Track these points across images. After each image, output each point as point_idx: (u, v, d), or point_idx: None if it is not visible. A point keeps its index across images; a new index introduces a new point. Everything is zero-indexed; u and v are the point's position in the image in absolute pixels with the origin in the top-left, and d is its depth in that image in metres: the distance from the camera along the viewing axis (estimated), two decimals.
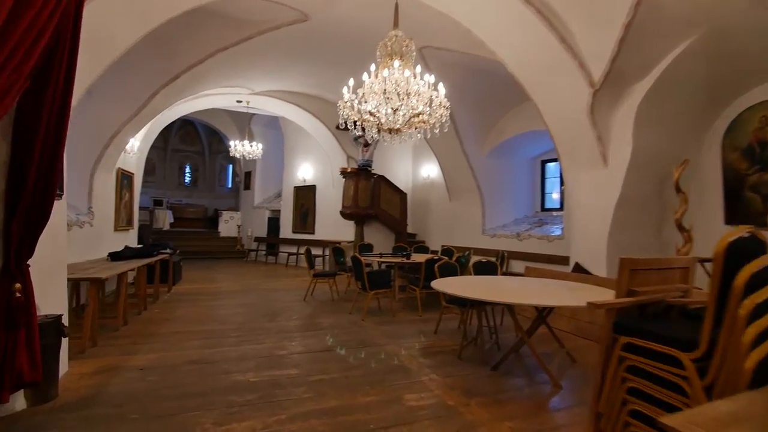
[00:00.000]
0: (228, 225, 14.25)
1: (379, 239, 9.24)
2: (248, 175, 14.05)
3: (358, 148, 9.11)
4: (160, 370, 3.32)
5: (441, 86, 3.86)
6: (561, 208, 8.46)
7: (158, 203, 14.43)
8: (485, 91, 7.32)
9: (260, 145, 9.59)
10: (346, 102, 3.90)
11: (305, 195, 11.37)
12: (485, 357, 3.91)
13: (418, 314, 5.55)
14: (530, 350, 3.42)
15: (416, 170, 10.52)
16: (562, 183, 8.63)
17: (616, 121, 4.96)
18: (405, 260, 6.25)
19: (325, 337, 4.43)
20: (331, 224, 10.34)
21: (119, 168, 6.68)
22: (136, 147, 7.17)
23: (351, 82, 3.93)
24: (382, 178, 9.27)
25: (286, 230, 12.00)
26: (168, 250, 6.44)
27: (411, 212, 9.95)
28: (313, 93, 8.80)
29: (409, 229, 9.97)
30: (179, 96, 6.66)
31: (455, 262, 5.55)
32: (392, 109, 3.70)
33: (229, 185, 18.62)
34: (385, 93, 3.60)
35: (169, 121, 8.73)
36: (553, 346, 4.00)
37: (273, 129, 13.51)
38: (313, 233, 11.02)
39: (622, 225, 5.05)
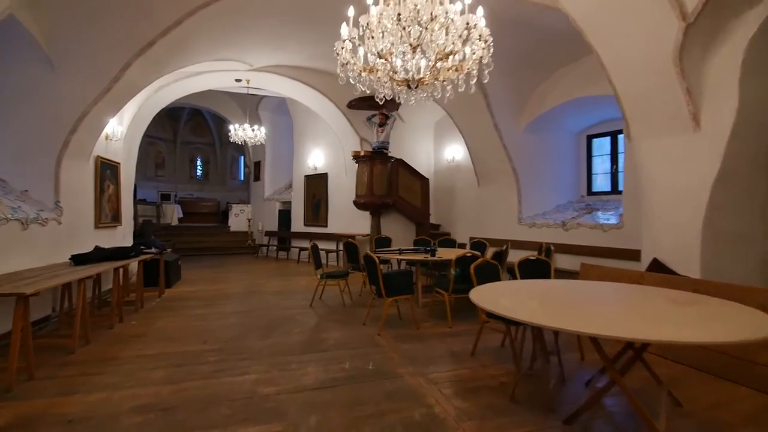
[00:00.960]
0: (238, 219, 13.48)
1: (398, 232, 8.17)
2: (258, 166, 13.18)
3: (372, 128, 8.00)
4: (93, 426, 2.37)
5: (480, 11, 2.69)
6: (614, 191, 7.16)
7: (166, 197, 13.77)
8: (523, 51, 6.07)
9: (263, 129, 8.63)
10: (344, 43, 2.78)
11: (317, 184, 10.38)
12: (550, 398, 2.79)
13: (447, 325, 4.47)
14: (628, 399, 2.28)
15: (439, 152, 9.34)
16: (613, 161, 7.32)
17: (714, 69, 3.68)
18: (429, 257, 5.16)
19: (329, 362, 3.41)
20: (345, 216, 9.33)
21: (98, 156, 5.82)
22: (119, 133, 6.31)
23: (351, 11, 2.80)
24: (401, 162, 8.15)
25: (297, 223, 11.08)
26: (154, 249, 5.56)
27: (433, 200, 8.82)
28: (319, 67, 7.72)
29: (432, 220, 8.84)
30: (161, 70, 5.70)
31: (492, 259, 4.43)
32: (411, 46, 2.57)
33: (242, 177, 17.89)
34: (400, 20, 2.47)
35: (163, 105, 7.86)
36: (641, 377, 2.85)
37: (282, 115, 12.55)
38: (325, 226, 10.05)
39: (720, 209, 3.80)
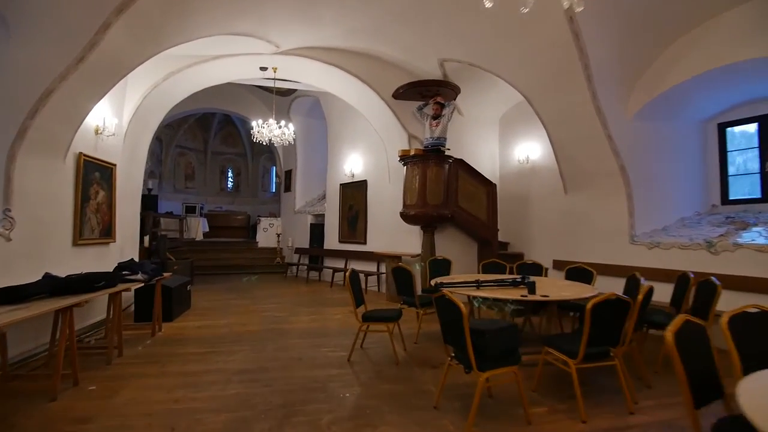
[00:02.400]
0: (267, 234, 12.18)
1: (456, 252, 6.41)
2: (288, 175, 11.90)
3: (425, 122, 6.38)
4: None
5: None
6: (766, 199, 5.11)
7: (191, 210, 12.77)
8: (641, 8, 4.30)
9: (292, 126, 7.20)
10: None
11: (354, 194, 8.84)
12: None
13: (578, 418, 2.65)
14: None
15: (506, 152, 7.54)
16: (766, 157, 5.26)
17: None
18: (535, 297, 3.37)
19: None
20: (388, 231, 7.68)
21: (81, 154, 4.54)
22: (114, 126, 5.04)
23: None
24: (461, 164, 6.44)
25: (331, 239, 9.57)
26: (141, 276, 4.13)
27: (499, 212, 6.99)
28: (359, 47, 6.25)
29: (499, 237, 7.01)
30: (157, 39, 4.38)
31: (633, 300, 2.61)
32: None
33: (273, 189, 16.79)
34: None
35: (176, 99, 6.61)
36: None
37: (315, 118, 11.26)
38: (363, 243, 8.44)
39: None
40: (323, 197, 10.94)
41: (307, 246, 10.51)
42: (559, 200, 6.24)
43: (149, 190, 11.21)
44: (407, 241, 7.11)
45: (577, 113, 5.27)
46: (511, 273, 5.28)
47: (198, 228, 12.12)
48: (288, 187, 11.94)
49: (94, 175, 4.85)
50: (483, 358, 2.51)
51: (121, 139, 5.58)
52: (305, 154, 11.47)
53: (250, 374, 3.47)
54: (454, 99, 6.53)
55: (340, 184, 9.24)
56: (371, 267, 8.02)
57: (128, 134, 5.73)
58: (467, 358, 2.50)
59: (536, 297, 3.37)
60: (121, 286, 3.82)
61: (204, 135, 15.88)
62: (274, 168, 16.44)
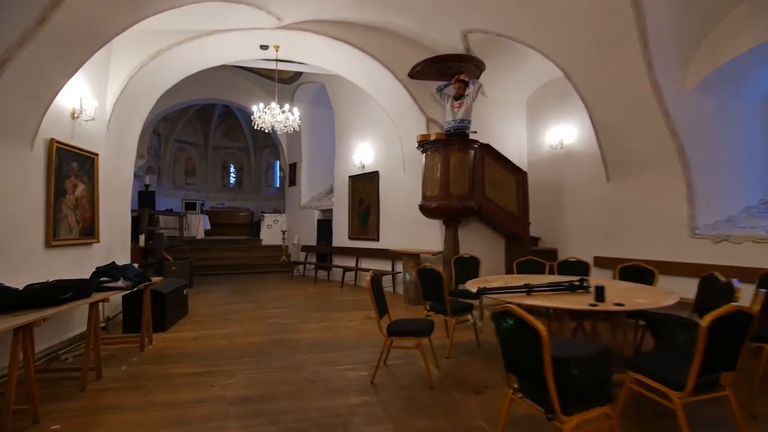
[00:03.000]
0: (271, 231, 11.54)
1: (482, 248, 5.73)
2: (293, 168, 11.23)
3: (445, 103, 5.68)
4: None
5: None
6: None
7: (191, 207, 12.14)
8: None
9: (297, 111, 6.51)
10: None
11: (365, 186, 8.16)
12: None
13: None
14: None
15: (535, 136, 6.81)
16: None
17: None
18: (600, 306, 2.68)
19: None
20: (404, 226, 7.00)
21: (53, 140, 3.89)
22: (92, 109, 4.38)
23: None
24: (488, 149, 5.74)
25: (340, 236, 8.90)
26: (122, 283, 3.48)
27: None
28: (371, 21, 5.55)
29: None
30: (136, 1, 3.69)
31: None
32: None
33: (277, 185, 16.14)
34: None
35: (167, 82, 5.93)
36: None
37: (320, 107, 10.57)
38: (376, 240, 7.77)
39: None
40: (330, 191, 10.26)
41: (314, 243, 9.86)
42: (600, 189, 5.53)
43: (146, 186, 10.62)
44: (426, 236, 6.43)
45: (628, 88, 4.55)
46: (551, 273, 4.60)
47: (199, 226, 11.51)
48: (293, 181, 11.28)
49: (71, 165, 4.20)
50: (568, 396, 1.83)
51: (105, 126, 4.92)
52: (310, 145, 10.79)
53: (252, 404, 2.81)
54: (478, 77, 5.81)
55: (349, 177, 8.56)
56: (385, 266, 7.35)
57: (113, 121, 5.07)
58: (546, 398, 1.82)
59: (609, 306, 2.69)
60: (96, 296, 3.17)
61: (204, 129, 15.23)
62: (278, 162, 15.78)
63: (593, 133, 5.32)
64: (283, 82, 9.88)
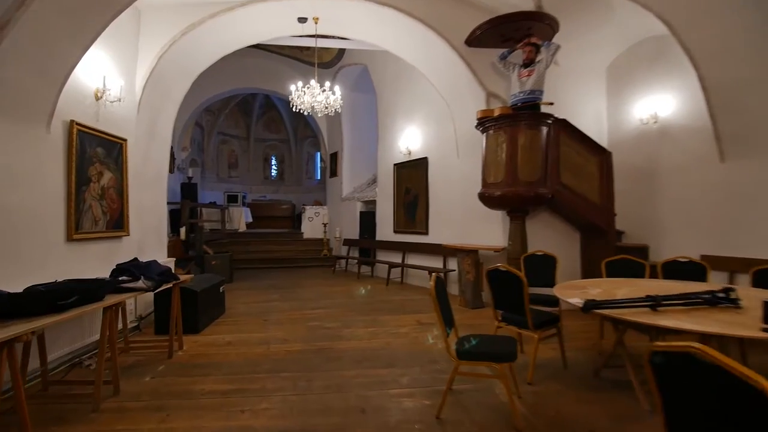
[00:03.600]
0: (313, 224, 11.13)
1: (553, 244, 4.84)
2: (333, 158, 10.71)
3: (510, 73, 4.80)
4: None
5: None
6: None
7: (233, 200, 11.99)
8: None
9: (338, 90, 5.86)
10: None
11: (411, 175, 7.43)
12: None
13: None
14: None
15: (618, 110, 5.74)
16: None
17: None
18: None
19: None
20: (458, 219, 6.22)
21: (74, 122, 3.49)
22: (119, 89, 3.98)
23: None
24: (564, 126, 4.80)
25: (384, 229, 8.25)
26: (143, 283, 3.00)
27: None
28: None
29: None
30: None
31: None
32: None
33: (318, 176, 15.79)
34: None
35: (200, 62, 5.49)
36: None
37: (362, 92, 9.94)
38: (425, 233, 7.03)
39: None
40: (374, 181, 9.63)
41: (356, 237, 9.29)
42: (710, 171, 4.44)
43: (189, 178, 10.55)
44: (485, 230, 5.61)
45: (757, 41, 3.46)
46: (653, 276, 3.66)
47: (240, 218, 11.33)
48: (333, 172, 10.77)
49: (95, 151, 3.81)
50: None
51: (134, 109, 4.54)
52: (352, 133, 10.20)
53: None
54: (551, 39, 4.85)
55: (394, 165, 7.86)
56: (435, 262, 6.61)
57: (144, 104, 4.68)
58: None
59: None
60: (111, 299, 2.70)
61: (246, 120, 15.13)
62: (319, 153, 15.41)
63: (701, 102, 4.24)
64: (322, 66, 9.34)
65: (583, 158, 4.83)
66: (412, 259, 7.26)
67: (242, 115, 14.90)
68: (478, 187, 5.14)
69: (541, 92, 4.66)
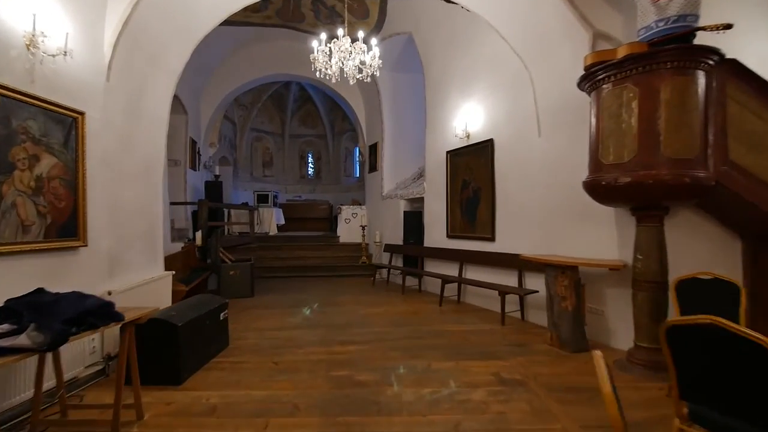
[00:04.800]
0: (350, 226, 9.80)
1: (701, 257, 3.11)
2: (373, 150, 9.31)
3: None
4: None
5: None
6: None
7: (263, 199, 10.95)
8: None
9: (377, 51, 4.37)
10: None
11: (471, 164, 5.82)
12: None
13: None
14: None
15: None
16: None
17: None
18: None
19: None
20: (539, 220, 4.56)
21: None
22: (63, 37, 2.77)
23: None
24: (735, 70, 2.99)
25: (435, 233, 6.70)
26: (24, 339, 1.69)
27: None
28: None
29: None
30: None
31: None
32: None
33: (357, 174, 14.50)
34: None
35: (214, 19, 4.25)
36: None
37: (405, 71, 8.49)
38: (490, 238, 5.40)
39: None
40: (420, 175, 8.12)
41: (400, 242, 7.80)
42: None
43: (216, 176, 9.63)
44: (584, 236, 3.92)
45: None
46: None
47: (271, 221, 10.25)
48: (373, 166, 9.36)
49: (25, 125, 2.62)
50: None
51: (100, 74, 3.34)
52: (394, 120, 8.75)
53: None
54: None
55: (448, 153, 6.28)
56: (505, 278, 4.98)
57: (117, 67, 3.48)
58: None
59: None
60: None
61: (281, 116, 14.16)
62: (358, 148, 14.12)
63: None
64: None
65: (763, 121, 3.00)
66: (473, 273, 5.66)
67: (276, 109, 13.94)
68: (575, 174, 3.49)
69: (696, 17, 2.91)
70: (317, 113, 14.32)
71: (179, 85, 7.00)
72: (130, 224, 3.81)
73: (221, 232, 6.91)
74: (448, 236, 6.26)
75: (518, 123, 4.94)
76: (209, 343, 3.57)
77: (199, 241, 6.58)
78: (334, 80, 4.30)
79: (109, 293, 3.31)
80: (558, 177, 4.32)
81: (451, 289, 5.82)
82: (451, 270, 6.02)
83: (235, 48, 8.99)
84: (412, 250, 7.21)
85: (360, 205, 10.38)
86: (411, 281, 6.99)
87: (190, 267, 6.37)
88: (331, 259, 9.03)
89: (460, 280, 5.56)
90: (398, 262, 7.85)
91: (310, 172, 15.07)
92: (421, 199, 7.30)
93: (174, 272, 4.61)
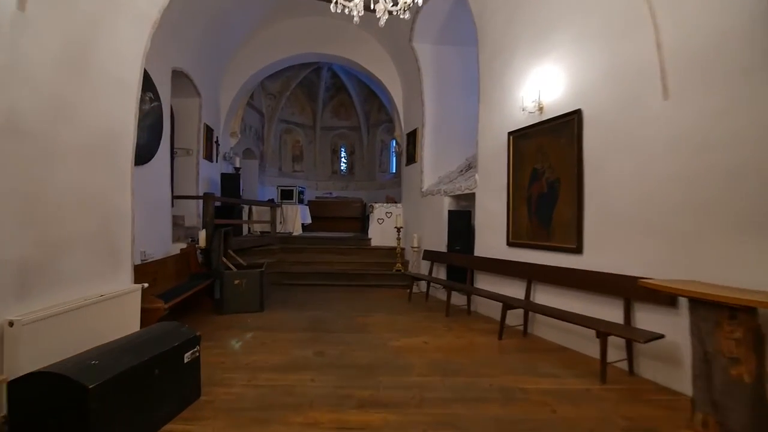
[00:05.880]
0: (383, 227, 8.49)
1: None
2: (411, 138, 7.92)
3: None
4: None
5: None
6: None
7: (286, 195, 9.86)
8: None
9: None
10: None
11: (545, 146, 4.29)
12: None
13: None
14: None
15: None
16: None
17: None
18: None
19: None
20: (661, 227, 2.98)
21: None
22: None
23: None
24: None
25: (490, 239, 5.21)
26: None
27: None
28: None
29: None
30: None
31: None
32: None
33: (393, 169, 13.19)
34: None
35: None
36: None
37: (450, 44, 7.12)
38: (574, 250, 3.85)
39: None
40: (469, 167, 6.66)
41: (443, 249, 6.36)
42: None
43: (236, 169, 8.66)
44: (762, 256, 2.33)
45: None
46: None
47: (296, 219, 9.14)
48: (411, 158, 7.98)
49: None
50: None
51: None
52: (436, 101, 7.33)
53: None
54: None
55: (510, 134, 4.79)
56: (601, 308, 3.43)
57: None
58: None
59: None
60: None
61: (312, 106, 13.13)
62: (394, 141, 12.80)
63: None
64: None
65: None
66: (547, 296, 4.15)
67: (307, 99, 12.92)
68: (739, 153, 1.92)
69: None
70: (351, 103, 13.16)
71: (189, 62, 6.08)
72: (66, 221, 2.70)
73: (229, 232, 5.82)
74: (510, 244, 4.76)
75: (624, 83, 3.38)
76: (158, 402, 2.36)
77: (202, 242, 5.52)
78: (356, 18, 2.98)
79: (11, 324, 2.20)
80: (703, 159, 2.75)
81: (514, 317, 4.33)
82: (513, 290, 4.53)
83: (257, 26, 7.96)
84: (459, 259, 5.75)
85: (395, 203, 9.03)
86: (458, 299, 5.55)
87: (188, 273, 5.31)
88: (361, 265, 7.74)
89: (530, 307, 4.06)
90: (440, 273, 6.43)
91: (342, 168, 13.95)
92: (470, 196, 5.84)
93: (146, 285, 3.49)
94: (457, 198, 6.43)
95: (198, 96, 7.07)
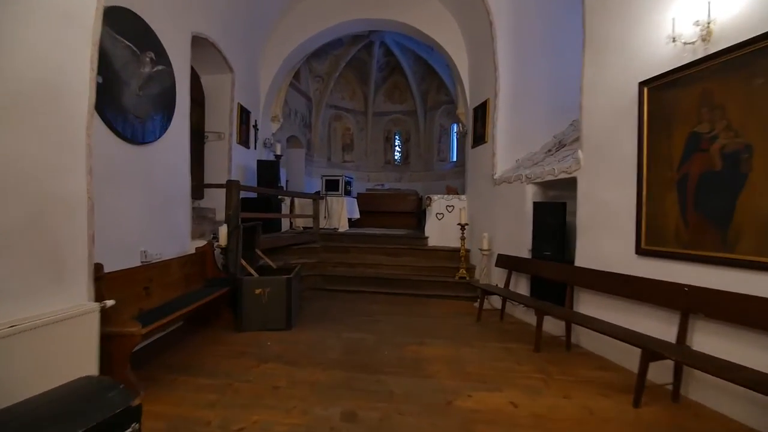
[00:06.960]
0: (442, 223, 7.07)
1: None
2: (480, 114, 6.36)
3: None
4: None
5: None
6: None
7: (332, 186, 8.76)
8: None
9: None
10: None
11: (715, 97, 2.62)
12: None
13: None
14: None
15: None
16: None
17: None
18: None
19: None
20: None
21: None
22: None
23: None
24: None
25: (604, 242, 3.59)
26: None
27: None
28: None
29: None
30: None
31: None
32: None
33: (454, 157, 11.64)
34: None
35: None
36: None
37: None
38: None
39: None
40: (559, 145, 5.03)
41: (525, 253, 4.81)
42: None
43: (277, 156, 7.74)
44: None
45: None
46: None
47: (341, 214, 8.02)
48: (479, 138, 6.42)
49: None
50: None
51: None
52: (513, 65, 5.74)
53: None
54: None
55: (643, 84, 3.14)
56: None
57: None
58: None
59: None
60: None
61: (363, 89, 11.99)
62: (455, 126, 11.24)
63: None
64: None
65: None
66: (718, 339, 2.52)
67: (358, 81, 11.79)
68: None
69: None
70: (406, 84, 11.80)
71: (215, 29, 5.08)
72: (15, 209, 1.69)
73: (257, 227, 4.80)
74: (642, 252, 3.14)
75: None
76: None
77: (223, 239, 4.54)
78: None
79: None
80: None
81: (659, 371, 2.74)
82: (648, 323, 2.94)
83: None
84: (551, 270, 4.18)
85: (458, 194, 7.55)
86: (551, 326, 4.00)
87: (203, 278, 4.36)
88: (415, 269, 6.41)
89: (691, 360, 2.45)
90: (520, 285, 4.89)
91: (396, 157, 12.67)
92: (566, 182, 4.23)
93: (109, 302, 2.48)
94: (545, 186, 4.84)
95: (230, 71, 6.16)
